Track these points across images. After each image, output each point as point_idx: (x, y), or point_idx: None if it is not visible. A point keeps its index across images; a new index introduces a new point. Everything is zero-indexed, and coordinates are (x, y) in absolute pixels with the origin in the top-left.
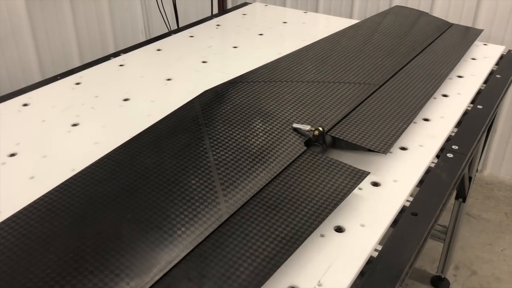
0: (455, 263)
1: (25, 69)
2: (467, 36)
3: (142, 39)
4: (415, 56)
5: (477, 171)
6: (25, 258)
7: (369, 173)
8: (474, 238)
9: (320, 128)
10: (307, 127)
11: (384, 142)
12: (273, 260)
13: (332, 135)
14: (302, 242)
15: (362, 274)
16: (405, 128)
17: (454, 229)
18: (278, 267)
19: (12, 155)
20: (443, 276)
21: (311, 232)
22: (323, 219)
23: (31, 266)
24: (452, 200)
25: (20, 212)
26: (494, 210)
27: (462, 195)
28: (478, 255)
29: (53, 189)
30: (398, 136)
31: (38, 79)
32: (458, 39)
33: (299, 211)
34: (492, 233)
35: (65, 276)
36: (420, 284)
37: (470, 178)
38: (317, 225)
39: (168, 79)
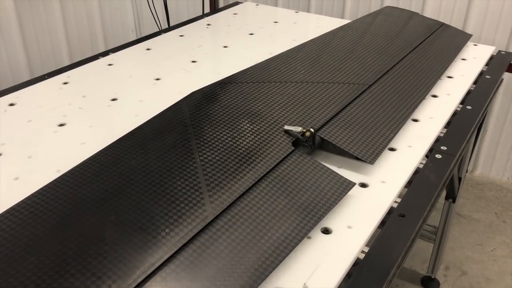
0: (445, 263)
1: (13, 68)
2: (457, 39)
3: (133, 38)
4: (405, 56)
5: (467, 172)
6: (6, 261)
7: (355, 184)
8: (464, 238)
9: (312, 129)
10: (299, 129)
11: (372, 150)
12: (261, 268)
13: (321, 136)
14: (290, 251)
15: (349, 275)
16: (393, 136)
17: (444, 230)
18: (265, 277)
19: None
20: (433, 277)
21: (299, 240)
22: (312, 227)
23: (12, 270)
24: (442, 200)
25: (2, 215)
26: (484, 211)
27: (452, 196)
28: (469, 255)
29: (36, 192)
30: (386, 145)
31: (26, 78)
32: (448, 42)
33: (287, 216)
34: (483, 233)
35: (46, 279)
36: (410, 284)
37: (460, 179)
38: (305, 234)
39: (157, 79)
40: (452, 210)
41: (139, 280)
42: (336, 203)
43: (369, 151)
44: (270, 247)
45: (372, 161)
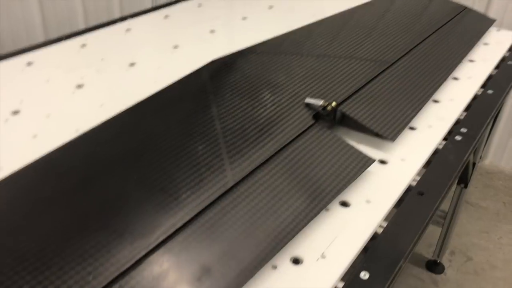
0: (450, 248)
1: (28, 28)
2: (480, 23)
3: (149, 6)
4: (428, 37)
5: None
6: (29, 215)
7: (374, 160)
8: (471, 225)
9: (334, 103)
10: (320, 102)
11: (393, 128)
12: (280, 236)
13: (343, 111)
14: (308, 221)
15: (365, 250)
16: (415, 115)
17: (453, 215)
18: (284, 244)
19: (15, 112)
20: (438, 261)
21: (318, 212)
22: (330, 201)
23: (35, 224)
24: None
25: (23, 169)
26: (492, 199)
27: (464, 181)
28: (475, 242)
29: (57, 148)
30: (407, 123)
31: (41, 39)
32: (471, 26)
33: (306, 187)
34: (490, 221)
35: (69, 233)
36: (415, 267)
37: (473, 165)
38: (324, 206)
39: (175, 47)
40: (463, 196)
41: (160, 239)
42: (355, 179)
43: (389, 129)
44: (289, 217)
45: (392, 138)
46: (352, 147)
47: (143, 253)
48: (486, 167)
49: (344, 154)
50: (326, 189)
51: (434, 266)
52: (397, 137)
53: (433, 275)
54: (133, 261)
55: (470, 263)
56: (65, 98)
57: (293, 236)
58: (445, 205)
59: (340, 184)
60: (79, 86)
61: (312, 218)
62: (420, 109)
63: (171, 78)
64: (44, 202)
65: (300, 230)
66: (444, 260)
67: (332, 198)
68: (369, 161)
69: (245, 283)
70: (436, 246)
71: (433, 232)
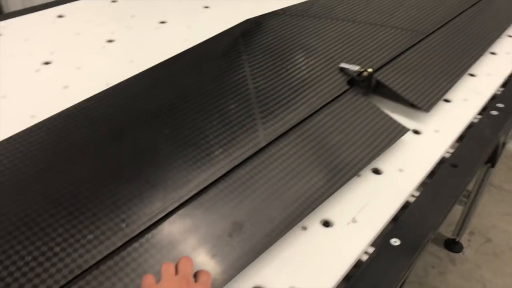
0: (470, 228)
1: None
2: None
3: None
4: (465, 10)
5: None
6: (63, 161)
7: (408, 129)
8: (492, 207)
9: (370, 69)
10: (356, 68)
11: (428, 99)
12: (311, 198)
13: (378, 78)
14: (340, 186)
15: (396, 218)
16: (451, 87)
17: (477, 194)
18: (316, 206)
19: (47, 63)
20: (457, 240)
21: (350, 177)
22: (362, 167)
23: (68, 169)
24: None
25: (56, 115)
26: None
27: (492, 160)
28: (495, 223)
29: (90, 98)
30: (443, 94)
31: None
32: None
33: (339, 152)
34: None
35: (102, 181)
36: (433, 245)
37: (503, 145)
38: (356, 172)
39: (206, 7)
40: (489, 175)
41: (192, 193)
42: (389, 147)
43: (424, 99)
44: (321, 180)
45: (427, 109)
46: (386, 115)
47: (175, 205)
48: (511, 150)
49: (378, 121)
50: (358, 155)
51: (453, 245)
52: (431, 108)
53: (451, 253)
54: (165, 212)
55: (489, 244)
56: (95, 52)
57: (325, 199)
58: (469, 185)
59: (373, 151)
60: (110, 41)
61: (344, 183)
62: (456, 81)
63: (201, 37)
64: (77, 149)
65: (331, 194)
66: (463, 239)
67: (365, 165)
68: (403, 130)
69: (275, 241)
70: (456, 225)
71: (454, 211)
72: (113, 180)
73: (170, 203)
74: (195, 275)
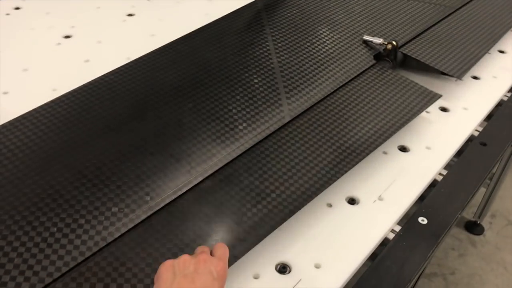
0: (492, 211)
1: None
2: None
3: None
4: None
5: None
6: (84, 134)
7: (441, 95)
8: None
9: (394, 42)
10: (379, 40)
11: (459, 67)
12: (335, 169)
13: (404, 52)
14: (365, 156)
15: (422, 197)
16: (482, 55)
17: (500, 176)
18: (339, 177)
19: (67, 37)
20: (478, 222)
21: (375, 148)
22: (388, 137)
23: (90, 143)
24: None
25: (79, 88)
26: None
27: None
28: None
29: (112, 71)
30: (474, 63)
31: None
32: None
33: (364, 124)
34: None
35: (126, 154)
36: (453, 227)
37: None
38: (381, 142)
39: None
40: None
41: (217, 167)
42: (419, 113)
43: (456, 67)
44: (344, 152)
45: (460, 76)
46: (416, 84)
47: (200, 179)
48: None
49: (407, 90)
50: (386, 125)
51: (474, 227)
52: (464, 75)
53: (472, 236)
54: (190, 186)
55: (511, 227)
56: (116, 26)
57: (348, 170)
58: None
59: (402, 119)
60: (130, 15)
61: (371, 151)
62: (487, 50)
63: (223, 11)
64: (100, 122)
65: (355, 164)
66: (485, 222)
67: (396, 130)
68: (435, 96)
69: (299, 210)
70: (478, 207)
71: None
72: (137, 153)
73: (195, 177)
74: (212, 251)
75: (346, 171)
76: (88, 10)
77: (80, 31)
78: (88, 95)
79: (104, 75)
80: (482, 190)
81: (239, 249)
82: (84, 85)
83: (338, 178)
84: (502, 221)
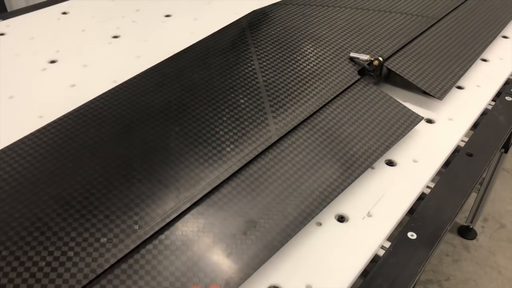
0: (484, 215)
1: None
2: None
3: None
4: None
5: None
6: (73, 161)
7: (422, 118)
8: (506, 192)
9: (380, 58)
10: (366, 57)
11: (441, 86)
12: (326, 192)
13: (389, 67)
14: (355, 178)
15: (411, 211)
16: (464, 73)
17: (490, 180)
18: (330, 201)
19: (53, 62)
20: (471, 227)
21: (365, 169)
22: (376, 159)
23: (79, 170)
24: None
25: (65, 116)
26: None
27: (506, 145)
28: (509, 209)
29: (98, 97)
30: (456, 81)
31: None
32: None
33: (352, 144)
34: None
35: (113, 182)
36: (447, 233)
37: None
38: (371, 163)
39: None
40: (503, 161)
41: (205, 191)
42: (403, 136)
43: (437, 87)
44: (334, 174)
45: (441, 97)
46: (400, 104)
47: (188, 204)
48: None
49: (391, 111)
50: (372, 146)
51: (467, 232)
52: (445, 95)
53: (465, 240)
54: (178, 212)
55: (503, 230)
56: (101, 49)
57: (339, 193)
58: None
59: (387, 141)
60: (115, 37)
61: (358, 176)
62: (468, 67)
63: (207, 30)
64: (87, 150)
65: (346, 187)
66: (477, 226)
67: (379, 156)
68: (417, 118)
69: (291, 238)
70: (470, 212)
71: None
72: (124, 180)
73: (183, 203)
74: None
75: (338, 193)
76: (73, 34)
77: (65, 55)
78: (74, 123)
79: (89, 102)
80: (473, 194)
81: (231, 285)
82: (70, 113)
83: (331, 200)
84: (494, 224)
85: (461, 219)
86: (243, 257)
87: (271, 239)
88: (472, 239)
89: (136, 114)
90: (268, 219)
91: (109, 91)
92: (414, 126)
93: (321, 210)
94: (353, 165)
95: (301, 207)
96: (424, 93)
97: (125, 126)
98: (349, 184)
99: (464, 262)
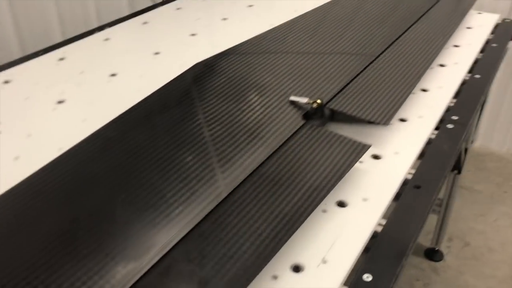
0: (448, 234)
1: (3, 45)
2: (461, 5)
3: (126, 12)
4: (410, 26)
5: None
6: (11, 243)
7: (370, 146)
8: (467, 210)
9: (319, 101)
10: (305, 100)
11: (384, 113)
12: (276, 238)
13: (331, 107)
14: (304, 219)
15: (366, 250)
16: (405, 99)
17: (449, 201)
18: (281, 246)
19: None
20: (437, 248)
21: (313, 209)
22: (325, 195)
23: (19, 251)
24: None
25: (4, 194)
26: (486, 181)
27: (457, 167)
28: (472, 226)
29: (39, 169)
30: (398, 107)
31: (18, 55)
32: (452, 8)
33: (300, 186)
34: (485, 204)
35: (58, 261)
36: (413, 256)
37: (465, 150)
38: (319, 202)
39: (156, 53)
40: (457, 182)
41: (155, 260)
42: (351, 167)
43: (381, 114)
44: (284, 219)
45: (386, 122)
46: (345, 137)
47: (138, 276)
48: (477, 149)
49: (337, 146)
50: (320, 184)
51: (433, 254)
52: (389, 121)
53: (433, 263)
54: (128, 286)
55: (468, 248)
56: (46, 115)
57: (287, 240)
58: (440, 192)
59: (335, 176)
60: (60, 102)
61: (305, 219)
62: (409, 93)
63: (154, 86)
64: (27, 227)
65: (296, 230)
66: (443, 247)
67: (330, 190)
68: (364, 147)
69: None
70: (434, 233)
71: (430, 219)
72: (69, 258)
73: (132, 275)
74: None
75: (287, 239)
76: (15, 102)
77: (8, 125)
78: (14, 202)
79: (30, 176)
80: (434, 216)
81: None
82: (9, 191)
83: (280, 247)
84: (459, 243)
85: (426, 241)
86: None
87: None
88: (439, 261)
89: (79, 184)
90: (220, 278)
91: (50, 162)
92: (362, 155)
93: (272, 256)
94: (300, 208)
95: (251, 260)
96: (370, 124)
97: (69, 199)
98: (298, 227)
99: (434, 285)
